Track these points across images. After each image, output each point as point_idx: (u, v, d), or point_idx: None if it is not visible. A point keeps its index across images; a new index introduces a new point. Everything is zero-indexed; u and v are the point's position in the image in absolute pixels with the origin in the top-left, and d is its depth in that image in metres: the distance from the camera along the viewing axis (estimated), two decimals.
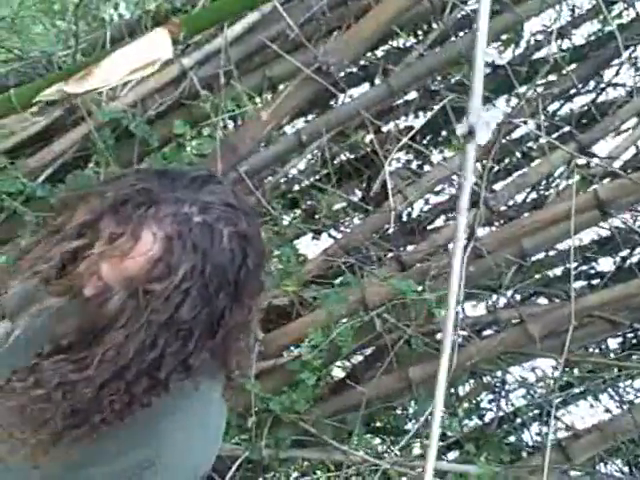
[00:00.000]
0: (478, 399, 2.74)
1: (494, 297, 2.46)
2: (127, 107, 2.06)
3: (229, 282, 1.01)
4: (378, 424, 2.56)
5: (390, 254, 2.40)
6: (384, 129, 2.61)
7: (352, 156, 2.83)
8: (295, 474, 2.44)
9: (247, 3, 1.90)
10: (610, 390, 2.59)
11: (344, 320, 1.98)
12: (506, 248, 2.07)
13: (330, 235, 2.97)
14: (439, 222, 3.11)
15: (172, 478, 1.13)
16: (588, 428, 2.27)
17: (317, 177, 2.68)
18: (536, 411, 2.58)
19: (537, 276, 2.57)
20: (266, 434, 1.95)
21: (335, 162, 2.54)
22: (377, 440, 2.57)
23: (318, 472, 2.29)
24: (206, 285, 0.99)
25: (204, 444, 1.18)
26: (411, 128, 2.74)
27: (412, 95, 2.81)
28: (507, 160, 2.75)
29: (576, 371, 2.51)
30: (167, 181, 1.01)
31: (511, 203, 2.47)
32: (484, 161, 2.29)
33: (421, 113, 2.94)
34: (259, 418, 1.96)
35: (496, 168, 2.68)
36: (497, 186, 2.59)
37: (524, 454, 2.52)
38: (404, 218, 2.85)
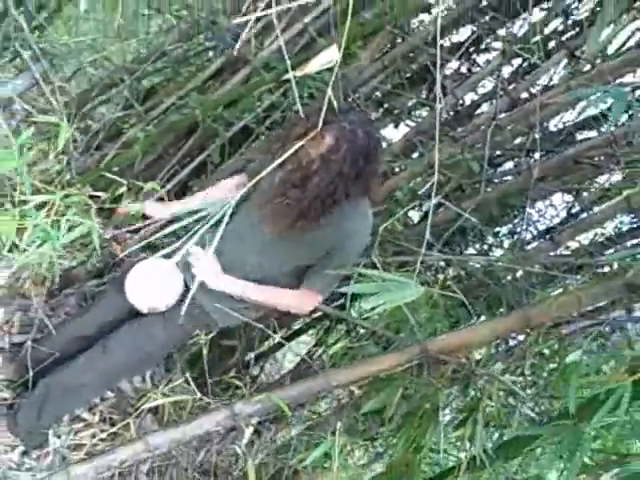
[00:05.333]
0: None
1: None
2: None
3: (365, 154, 2.26)
4: None
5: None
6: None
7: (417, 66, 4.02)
8: None
9: None
10: None
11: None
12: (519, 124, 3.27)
13: (406, 124, 4.22)
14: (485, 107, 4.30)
15: (358, 245, 2.40)
16: None
17: (395, 84, 3.90)
18: None
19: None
20: None
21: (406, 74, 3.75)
22: None
23: None
24: (355, 156, 2.24)
25: (367, 227, 2.42)
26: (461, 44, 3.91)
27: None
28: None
29: None
30: (336, 113, 2.23)
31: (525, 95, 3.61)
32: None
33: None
34: None
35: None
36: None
37: None
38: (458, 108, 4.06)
